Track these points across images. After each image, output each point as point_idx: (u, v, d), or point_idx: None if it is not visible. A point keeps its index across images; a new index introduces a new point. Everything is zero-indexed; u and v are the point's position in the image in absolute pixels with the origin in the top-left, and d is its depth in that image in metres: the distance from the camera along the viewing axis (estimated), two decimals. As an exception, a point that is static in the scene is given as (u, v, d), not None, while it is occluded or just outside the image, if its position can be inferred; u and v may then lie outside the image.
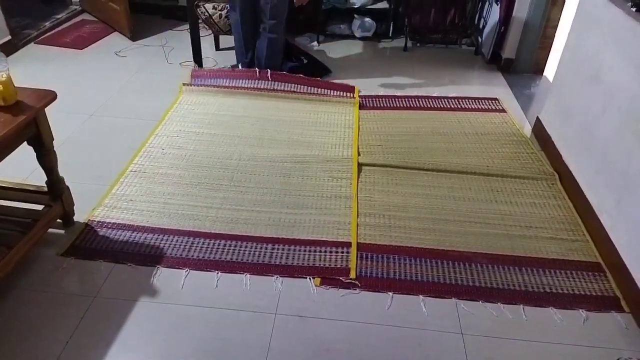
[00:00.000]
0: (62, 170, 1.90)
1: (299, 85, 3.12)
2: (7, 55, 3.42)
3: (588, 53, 2.25)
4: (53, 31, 3.93)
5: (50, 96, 1.67)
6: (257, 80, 3.10)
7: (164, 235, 1.97)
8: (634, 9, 1.95)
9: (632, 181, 1.80)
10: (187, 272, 1.82)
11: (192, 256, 1.88)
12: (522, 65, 3.46)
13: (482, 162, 2.47)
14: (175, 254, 1.89)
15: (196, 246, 1.93)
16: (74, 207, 1.99)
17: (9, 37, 3.52)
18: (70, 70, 3.36)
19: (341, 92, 3.11)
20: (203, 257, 1.88)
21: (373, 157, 2.49)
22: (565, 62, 2.52)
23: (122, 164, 2.37)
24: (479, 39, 3.79)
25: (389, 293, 1.75)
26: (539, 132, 2.68)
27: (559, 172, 2.38)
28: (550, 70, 3.44)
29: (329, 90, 3.12)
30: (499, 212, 2.15)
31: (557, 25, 3.30)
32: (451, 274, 1.83)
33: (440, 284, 1.79)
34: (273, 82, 3.09)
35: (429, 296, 1.75)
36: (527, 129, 2.82)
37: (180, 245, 1.93)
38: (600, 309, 1.72)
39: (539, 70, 3.47)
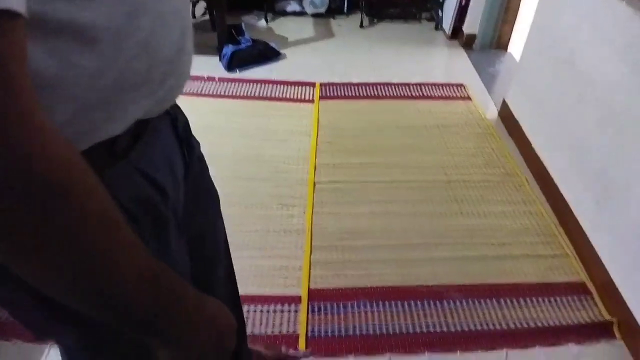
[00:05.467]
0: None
1: (251, 84, 2.77)
2: None
3: (560, 33, 1.98)
4: None
5: None
6: (203, 82, 2.74)
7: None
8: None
9: (612, 181, 1.56)
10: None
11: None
12: (484, 40, 3.17)
13: (442, 161, 2.21)
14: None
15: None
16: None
17: None
18: None
19: (298, 91, 2.75)
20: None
21: (324, 172, 2.18)
22: (533, 41, 2.24)
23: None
24: (439, 13, 3.45)
25: (349, 357, 1.45)
26: (506, 116, 2.44)
27: (530, 164, 2.13)
28: (515, 46, 3.16)
29: (283, 88, 2.75)
30: (466, 228, 1.88)
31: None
32: (421, 319, 1.55)
33: (410, 334, 1.50)
34: (220, 83, 2.75)
35: (397, 353, 1.46)
36: (492, 111, 2.57)
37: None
38: (590, 340, 1.51)
39: (503, 45, 3.19)
